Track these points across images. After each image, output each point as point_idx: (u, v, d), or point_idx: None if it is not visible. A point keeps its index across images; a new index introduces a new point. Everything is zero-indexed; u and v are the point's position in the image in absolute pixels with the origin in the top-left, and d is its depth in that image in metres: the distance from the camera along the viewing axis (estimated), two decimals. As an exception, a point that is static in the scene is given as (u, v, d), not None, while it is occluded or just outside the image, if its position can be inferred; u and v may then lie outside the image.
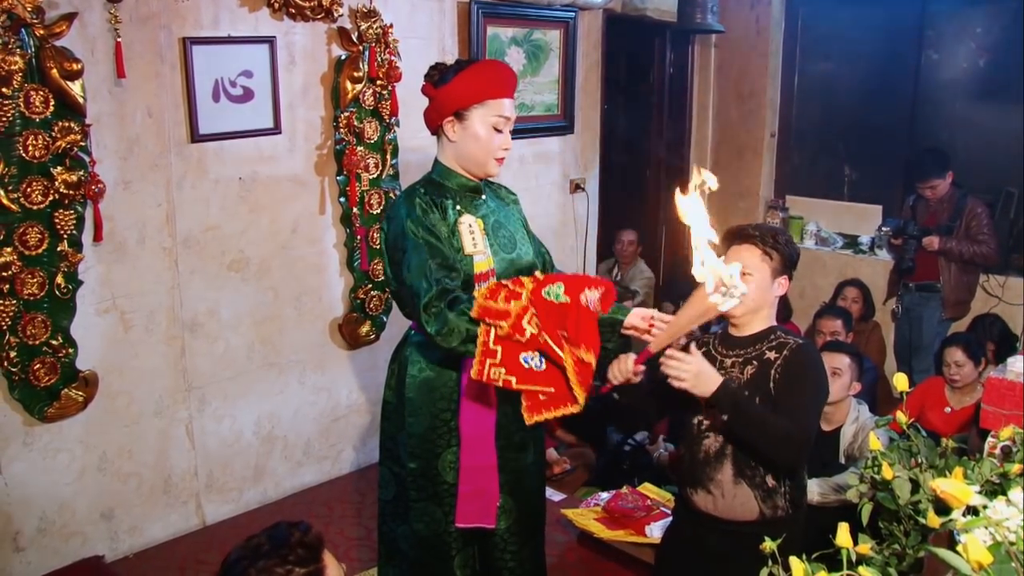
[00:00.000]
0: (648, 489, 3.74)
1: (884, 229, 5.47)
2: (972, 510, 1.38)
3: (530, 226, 2.63)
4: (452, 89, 2.33)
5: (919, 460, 1.73)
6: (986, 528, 1.33)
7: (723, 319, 2.36)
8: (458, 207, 2.39)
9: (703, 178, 1.88)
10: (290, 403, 4.00)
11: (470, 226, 2.37)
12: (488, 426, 2.42)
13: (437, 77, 2.38)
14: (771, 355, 2.29)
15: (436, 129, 2.41)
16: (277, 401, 3.94)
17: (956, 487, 1.36)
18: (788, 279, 2.36)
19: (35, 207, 2.98)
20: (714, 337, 2.44)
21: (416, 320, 2.31)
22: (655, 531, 3.40)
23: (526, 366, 2.12)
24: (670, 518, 3.43)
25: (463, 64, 2.39)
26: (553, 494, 3.97)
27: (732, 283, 1.84)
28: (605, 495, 3.73)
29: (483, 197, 2.47)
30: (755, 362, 2.30)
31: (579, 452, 4.58)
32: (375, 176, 3.97)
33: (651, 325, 2.27)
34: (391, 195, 4.00)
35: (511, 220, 2.52)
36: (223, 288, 3.66)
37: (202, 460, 3.70)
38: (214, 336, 3.66)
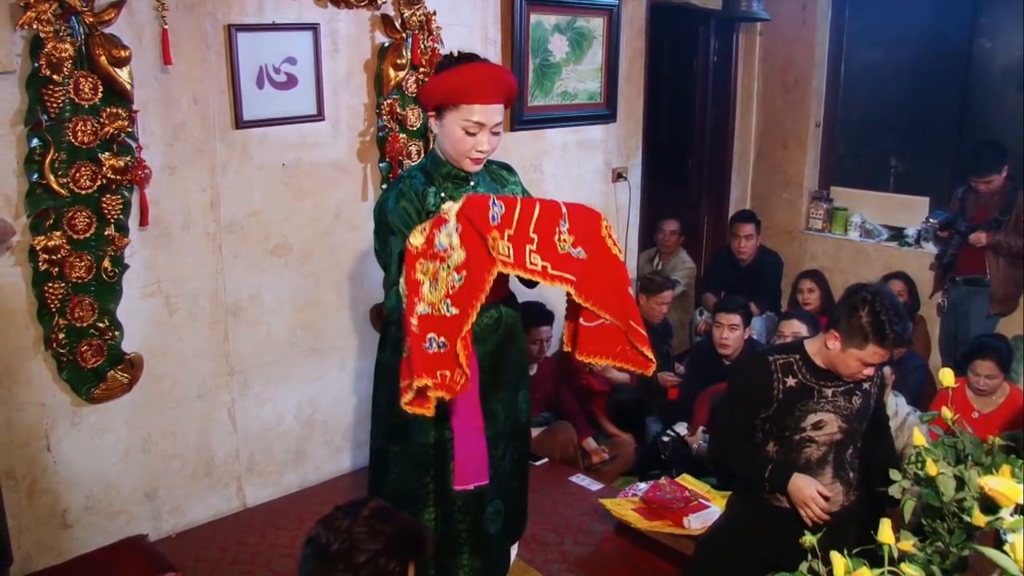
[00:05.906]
0: (687, 480, 3.72)
1: (931, 221, 5.35)
2: (1020, 509, 1.35)
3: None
4: (432, 85, 2.45)
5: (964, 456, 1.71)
6: (1034, 528, 1.31)
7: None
8: (442, 195, 2.49)
9: None
10: (331, 389, 4.03)
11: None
12: (473, 391, 2.48)
13: (438, 65, 2.50)
14: (866, 384, 2.65)
15: None
16: (318, 386, 3.97)
17: (1005, 485, 1.33)
18: None
19: (83, 192, 3.03)
20: (797, 363, 2.62)
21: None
22: (693, 523, 3.38)
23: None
24: (709, 510, 3.44)
25: (456, 61, 2.46)
26: (591, 483, 3.98)
27: None
28: (643, 485, 3.72)
29: (471, 184, 2.56)
30: (858, 392, 2.62)
31: (619, 442, 4.57)
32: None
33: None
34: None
35: None
36: (266, 273, 3.69)
37: (243, 443, 3.75)
38: (256, 321, 3.70)
